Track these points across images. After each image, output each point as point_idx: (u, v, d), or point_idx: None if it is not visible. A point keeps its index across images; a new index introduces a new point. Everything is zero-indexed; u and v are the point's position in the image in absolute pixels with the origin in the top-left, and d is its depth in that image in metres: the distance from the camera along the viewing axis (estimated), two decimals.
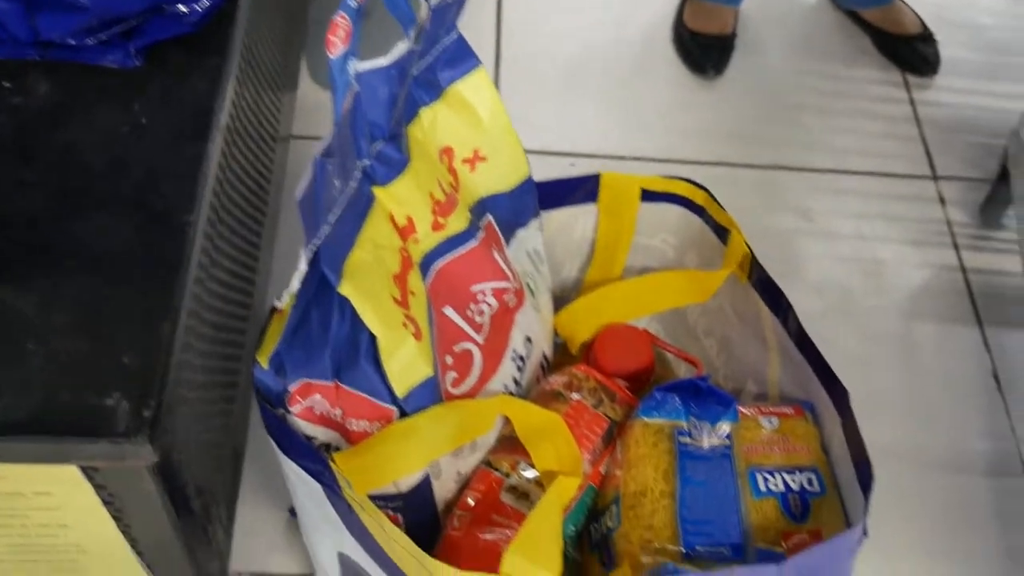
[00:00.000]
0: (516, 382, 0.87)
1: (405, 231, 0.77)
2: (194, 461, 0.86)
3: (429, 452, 0.77)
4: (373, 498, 0.71)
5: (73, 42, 0.87)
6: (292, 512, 1.08)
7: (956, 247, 1.50)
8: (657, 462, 0.80)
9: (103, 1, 0.84)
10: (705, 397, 0.83)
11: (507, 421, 0.82)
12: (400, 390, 0.74)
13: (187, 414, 0.81)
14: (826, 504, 0.78)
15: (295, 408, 0.74)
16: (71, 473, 0.75)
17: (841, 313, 1.40)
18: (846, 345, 1.27)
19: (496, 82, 1.57)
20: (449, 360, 0.78)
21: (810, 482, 0.79)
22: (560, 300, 0.98)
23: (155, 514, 0.81)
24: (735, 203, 0.95)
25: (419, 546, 0.67)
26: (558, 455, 0.78)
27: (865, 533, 0.71)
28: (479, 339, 0.81)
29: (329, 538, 0.81)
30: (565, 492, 0.75)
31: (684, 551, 0.75)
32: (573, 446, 0.79)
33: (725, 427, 0.82)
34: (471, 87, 0.83)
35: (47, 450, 0.70)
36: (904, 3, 1.72)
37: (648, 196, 0.96)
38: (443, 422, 0.76)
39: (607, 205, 0.97)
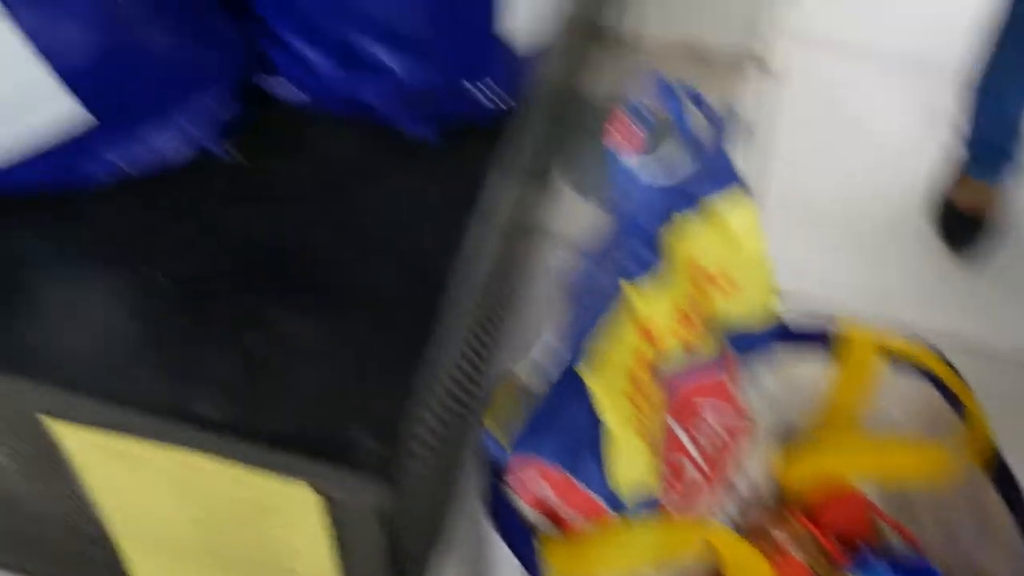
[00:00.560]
0: (725, 512, 0.87)
1: (648, 334, 0.79)
2: (418, 517, 0.89)
3: (633, 560, 0.78)
4: None
5: (379, 104, 0.92)
6: None
7: None
8: None
9: (408, 67, 0.89)
10: None
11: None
12: (623, 492, 0.76)
13: (419, 469, 0.85)
14: None
15: (515, 483, 0.77)
16: (306, 495, 0.79)
17: None
18: None
19: None
20: (667, 471, 0.80)
21: None
22: (780, 442, 0.98)
23: (374, 556, 0.84)
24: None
25: None
26: None
27: None
28: (700, 461, 0.83)
29: None
30: None
31: None
32: None
33: None
34: (728, 204, 0.83)
35: (296, 465, 0.75)
36: None
37: (888, 357, 0.94)
38: (655, 535, 0.77)
39: (845, 359, 0.95)
